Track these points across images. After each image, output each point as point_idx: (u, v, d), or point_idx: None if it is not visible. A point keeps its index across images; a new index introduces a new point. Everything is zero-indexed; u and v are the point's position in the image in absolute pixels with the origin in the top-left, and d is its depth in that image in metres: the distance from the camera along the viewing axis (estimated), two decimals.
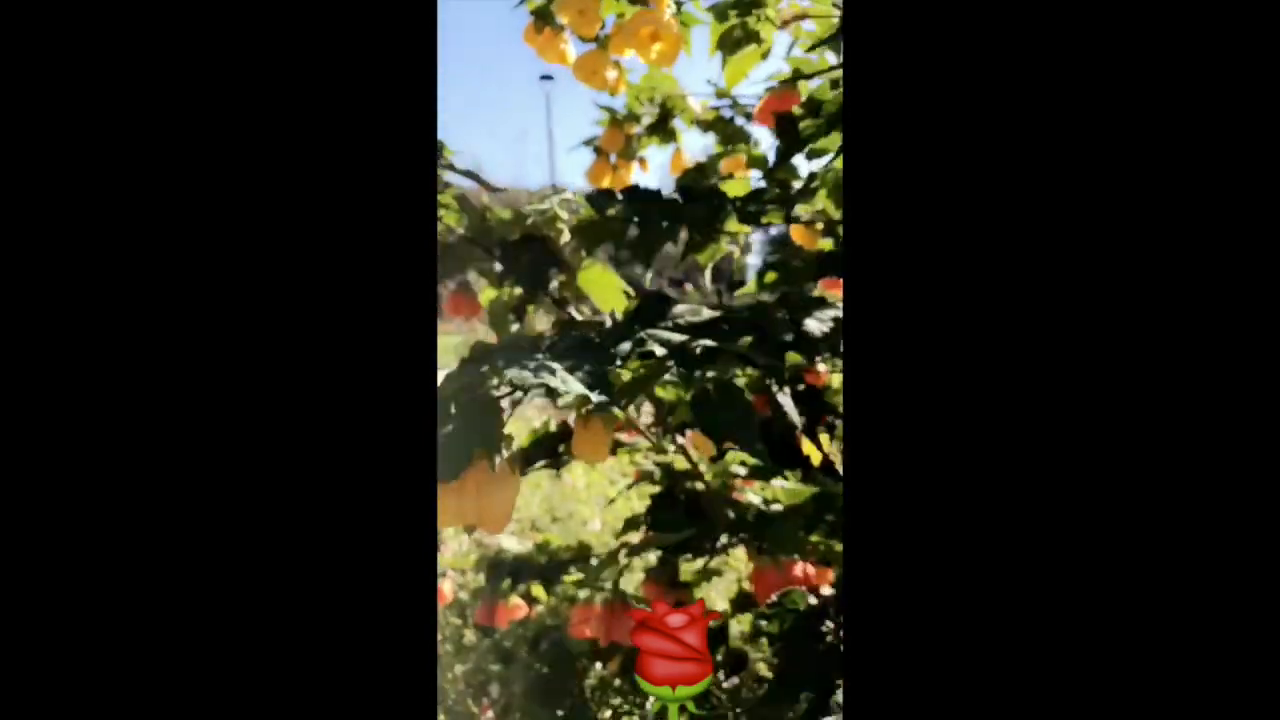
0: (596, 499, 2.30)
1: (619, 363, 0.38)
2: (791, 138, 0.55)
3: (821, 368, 0.66)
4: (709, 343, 0.38)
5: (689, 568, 0.93)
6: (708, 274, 0.70)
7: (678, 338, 0.39)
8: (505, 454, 0.38)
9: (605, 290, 0.71)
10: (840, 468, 0.67)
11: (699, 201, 0.51)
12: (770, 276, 0.62)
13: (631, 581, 1.21)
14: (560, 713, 0.87)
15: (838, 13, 0.70)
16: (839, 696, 0.47)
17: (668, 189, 0.60)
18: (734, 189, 0.66)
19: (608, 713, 1.09)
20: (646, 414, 0.78)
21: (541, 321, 0.79)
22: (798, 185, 0.57)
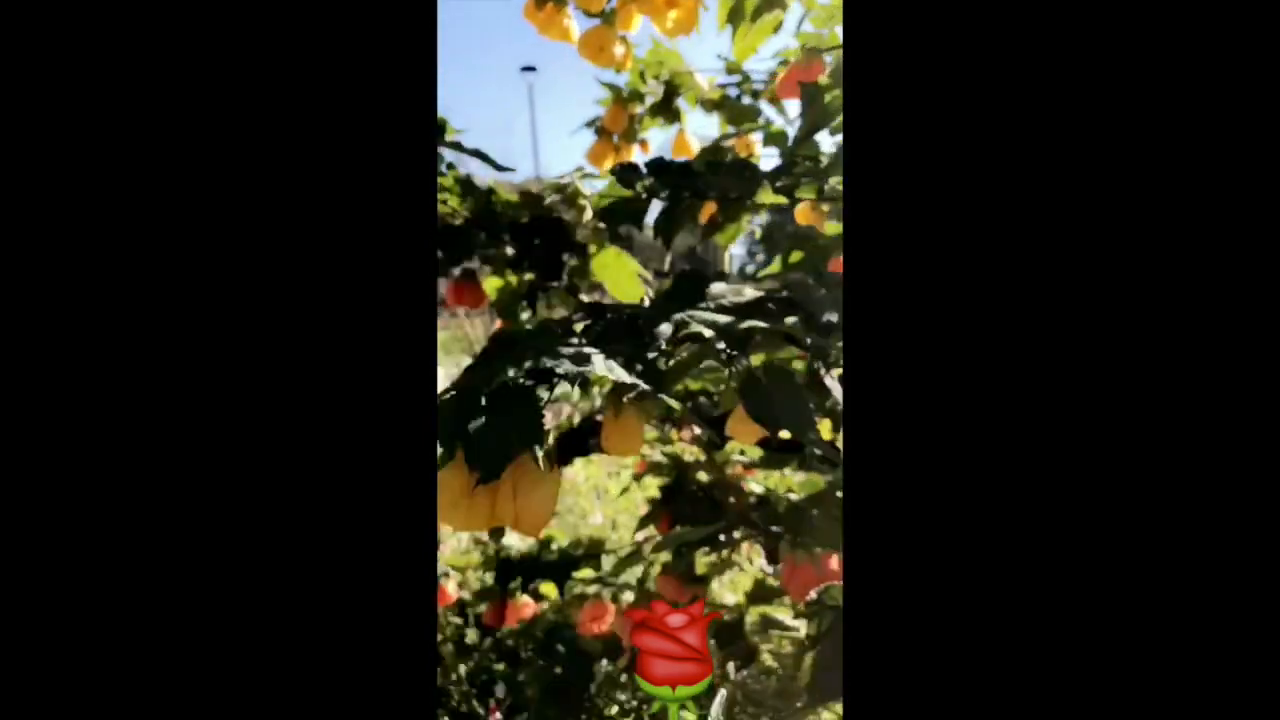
0: (592, 491, 2.27)
1: (661, 347, 0.35)
2: (818, 109, 0.52)
3: None
4: (759, 323, 0.35)
5: (702, 560, 0.90)
6: (725, 259, 0.67)
7: (723, 319, 0.36)
8: (542, 450, 0.35)
9: (620, 276, 0.67)
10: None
11: (730, 175, 0.47)
12: (795, 256, 0.59)
13: (632, 575, 1.19)
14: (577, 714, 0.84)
15: None
16: None
17: None
18: None
19: (614, 709, 1.07)
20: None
21: (556, 312, 0.75)
22: (825, 161, 0.54)
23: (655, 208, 0.55)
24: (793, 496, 0.94)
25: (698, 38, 0.93)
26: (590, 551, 0.88)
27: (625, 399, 0.39)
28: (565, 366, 0.32)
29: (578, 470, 2.39)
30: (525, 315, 0.73)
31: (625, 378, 0.32)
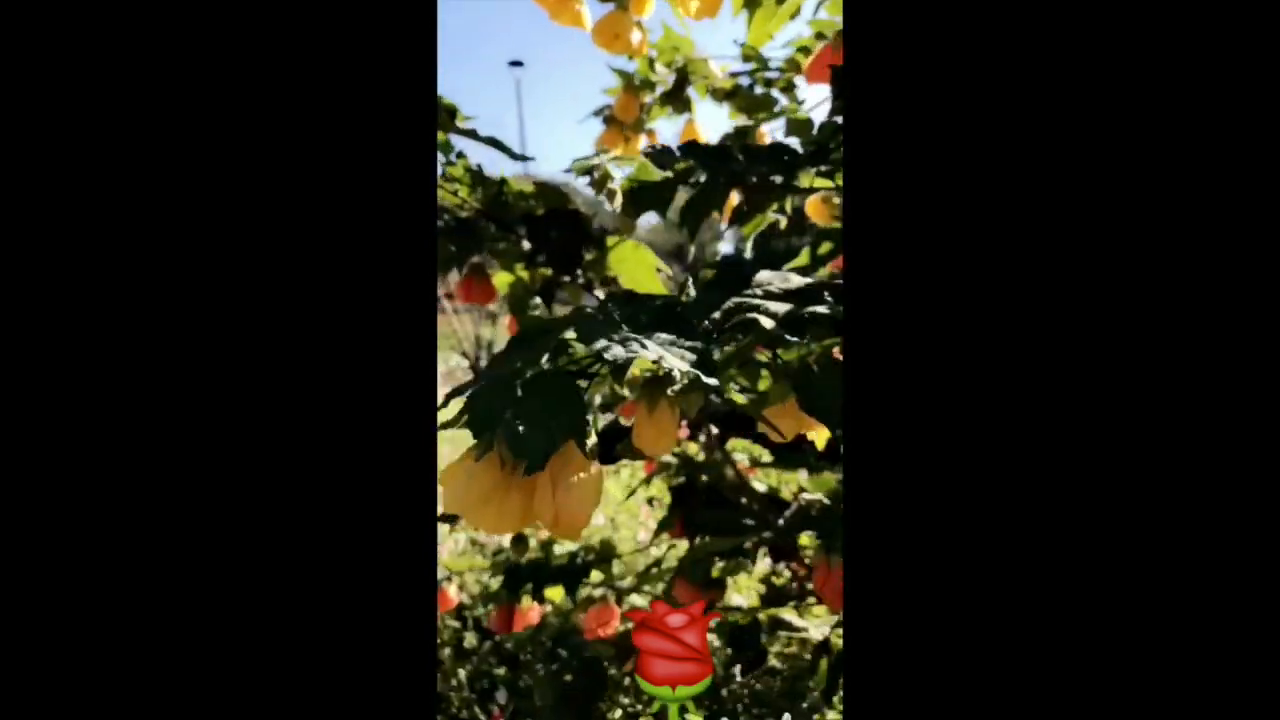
0: None
1: (714, 337, 0.33)
2: None
3: None
4: (822, 310, 0.32)
5: (717, 564, 0.88)
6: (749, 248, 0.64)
7: (782, 306, 0.33)
8: (587, 442, 0.32)
9: (638, 269, 0.65)
10: None
11: (765, 159, 0.45)
12: (825, 247, 0.56)
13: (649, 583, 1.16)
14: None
15: None
16: None
17: None
18: None
19: (618, 713, 1.04)
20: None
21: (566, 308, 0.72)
22: None
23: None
24: (809, 497, 0.92)
25: (708, 24, 0.91)
26: (601, 555, 0.85)
27: (670, 392, 0.36)
28: (614, 351, 0.29)
29: None
30: (537, 312, 0.70)
31: (683, 366, 0.29)
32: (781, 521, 0.67)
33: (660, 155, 0.45)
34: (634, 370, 0.37)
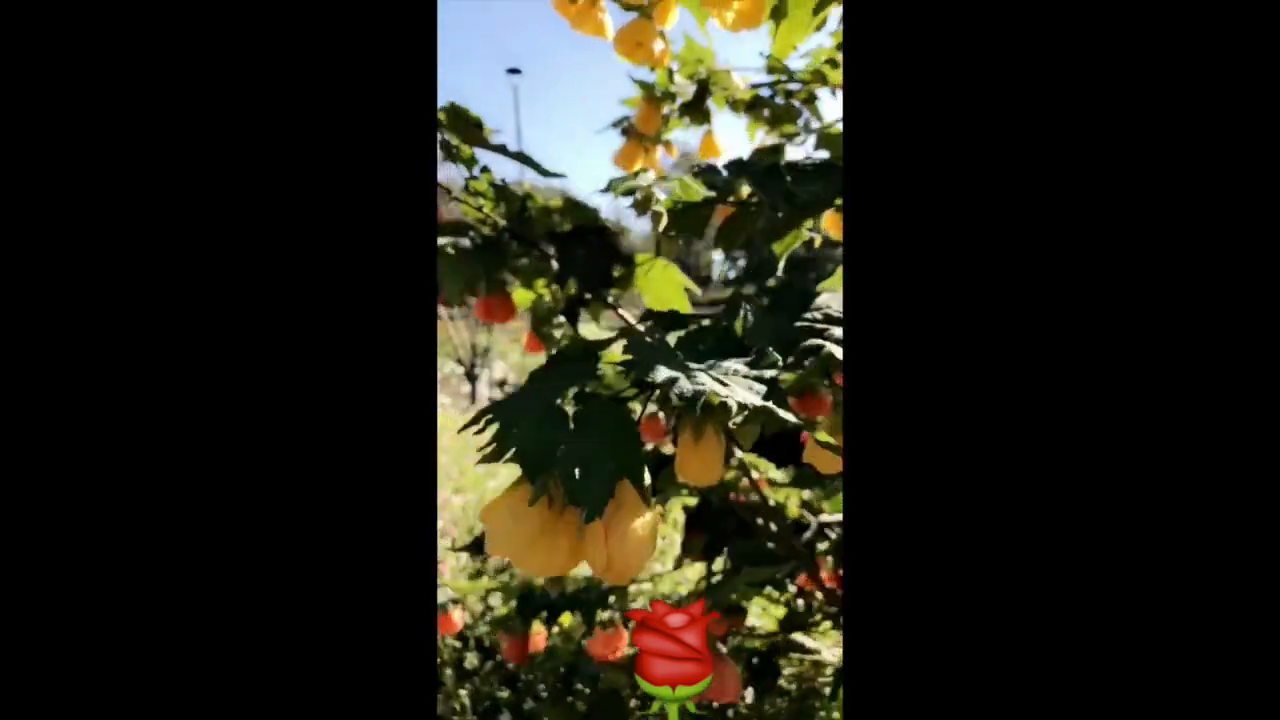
0: None
1: (779, 364, 0.30)
2: None
3: None
4: None
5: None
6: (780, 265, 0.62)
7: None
8: (642, 481, 0.29)
9: (665, 288, 0.62)
10: None
11: (815, 178, 0.43)
12: None
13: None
14: None
15: None
16: None
17: None
18: None
19: None
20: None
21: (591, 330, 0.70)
22: None
23: None
24: (827, 519, 0.89)
25: (725, 34, 0.89)
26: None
27: (732, 424, 0.34)
28: (682, 386, 0.27)
29: None
30: (559, 333, 0.67)
31: (755, 400, 0.27)
32: (803, 544, 0.65)
33: (709, 174, 0.43)
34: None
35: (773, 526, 0.78)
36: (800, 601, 0.94)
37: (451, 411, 4.21)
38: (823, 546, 0.86)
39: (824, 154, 0.73)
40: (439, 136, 0.56)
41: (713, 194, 0.46)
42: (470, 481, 2.24)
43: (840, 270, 0.57)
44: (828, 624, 0.93)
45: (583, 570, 0.93)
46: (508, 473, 2.41)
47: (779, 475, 1.05)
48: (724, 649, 0.67)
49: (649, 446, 0.74)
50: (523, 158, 0.54)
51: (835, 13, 0.93)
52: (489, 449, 0.36)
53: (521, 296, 0.71)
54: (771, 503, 0.91)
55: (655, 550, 0.30)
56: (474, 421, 0.39)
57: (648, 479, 0.30)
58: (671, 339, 0.34)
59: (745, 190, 0.49)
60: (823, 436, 0.39)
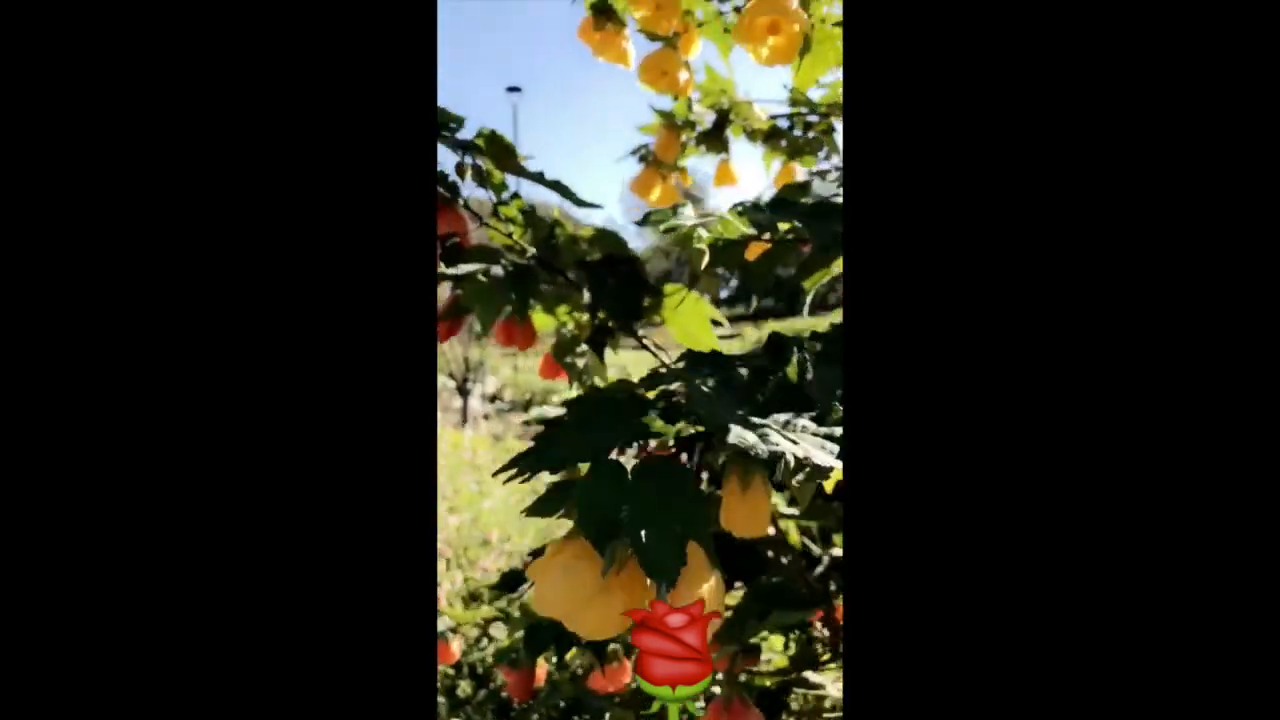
0: None
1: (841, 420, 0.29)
2: None
3: None
4: None
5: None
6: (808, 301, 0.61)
7: None
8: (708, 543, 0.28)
9: (692, 321, 0.61)
10: None
11: None
12: None
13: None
14: None
15: None
16: None
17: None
18: None
19: None
20: None
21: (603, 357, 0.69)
22: None
23: None
24: (838, 554, 0.87)
25: (745, 65, 0.89)
26: None
27: (796, 482, 0.32)
28: (753, 445, 0.25)
29: None
30: (582, 362, 0.66)
31: (831, 463, 0.26)
32: (815, 579, 0.63)
33: (752, 212, 0.42)
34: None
35: (783, 559, 0.76)
36: (814, 638, 0.92)
37: (443, 425, 4.17)
38: (835, 586, 0.84)
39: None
40: (472, 161, 0.55)
41: (753, 232, 0.45)
42: (465, 500, 2.21)
43: (817, 270, 0.56)
44: (834, 663, 0.91)
45: None
46: (503, 493, 2.38)
47: (786, 508, 1.03)
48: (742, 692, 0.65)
49: None
50: (558, 186, 0.53)
51: None
52: (511, 476, 0.34)
53: (541, 321, 0.70)
54: (772, 530, 0.89)
55: (722, 617, 0.29)
56: (515, 466, 0.38)
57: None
58: (710, 382, 0.33)
59: (783, 226, 0.48)
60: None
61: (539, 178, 0.53)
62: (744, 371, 0.35)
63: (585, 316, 0.65)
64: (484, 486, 2.38)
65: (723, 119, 0.94)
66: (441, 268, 0.55)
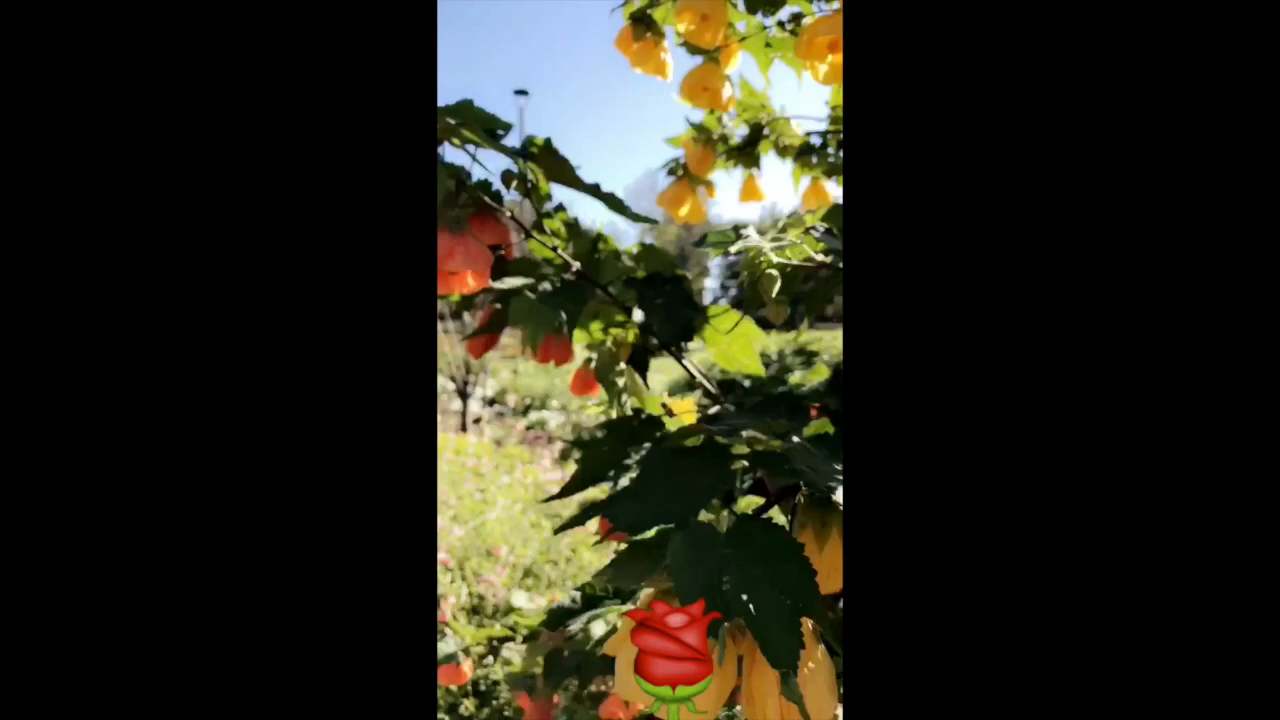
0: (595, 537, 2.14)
1: None
2: None
3: None
4: None
5: None
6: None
7: None
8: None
9: (734, 344, 0.59)
10: None
11: None
12: None
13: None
14: None
15: None
16: None
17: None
18: None
19: None
20: None
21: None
22: None
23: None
24: None
25: (781, 83, 0.88)
26: None
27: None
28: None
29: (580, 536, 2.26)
30: (621, 380, 0.63)
31: None
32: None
33: (826, 237, 0.40)
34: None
35: None
36: None
37: (444, 430, 4.13)
38: None
39: None
40: (520, 170, 0.52)
41: (823, 258, 0.42)
42: (468, 509, 2.17)
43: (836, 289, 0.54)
44: None
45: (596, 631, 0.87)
46: (506, 502, 2.35)
47: None
48: None
49: None
50: (611, 199, 0.50)
51: None
52: (571, 522, 0.32)
53: (575, 336, 0.67)
54: None
55: (838, 698, 0.26)
56: (580, 523, 0.35)
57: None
58: (786, 429, 0.30)
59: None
60: None
61: (594, 190, 0.50)
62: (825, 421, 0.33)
63: (622, 332, 0.63)
64: (487, 495, 2.35)
65: (756, 134, 0.92)
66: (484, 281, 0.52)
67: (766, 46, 0.79)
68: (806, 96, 0.98)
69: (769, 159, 1.03)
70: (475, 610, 1.65)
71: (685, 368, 0.59)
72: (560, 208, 0.57)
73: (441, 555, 1.72)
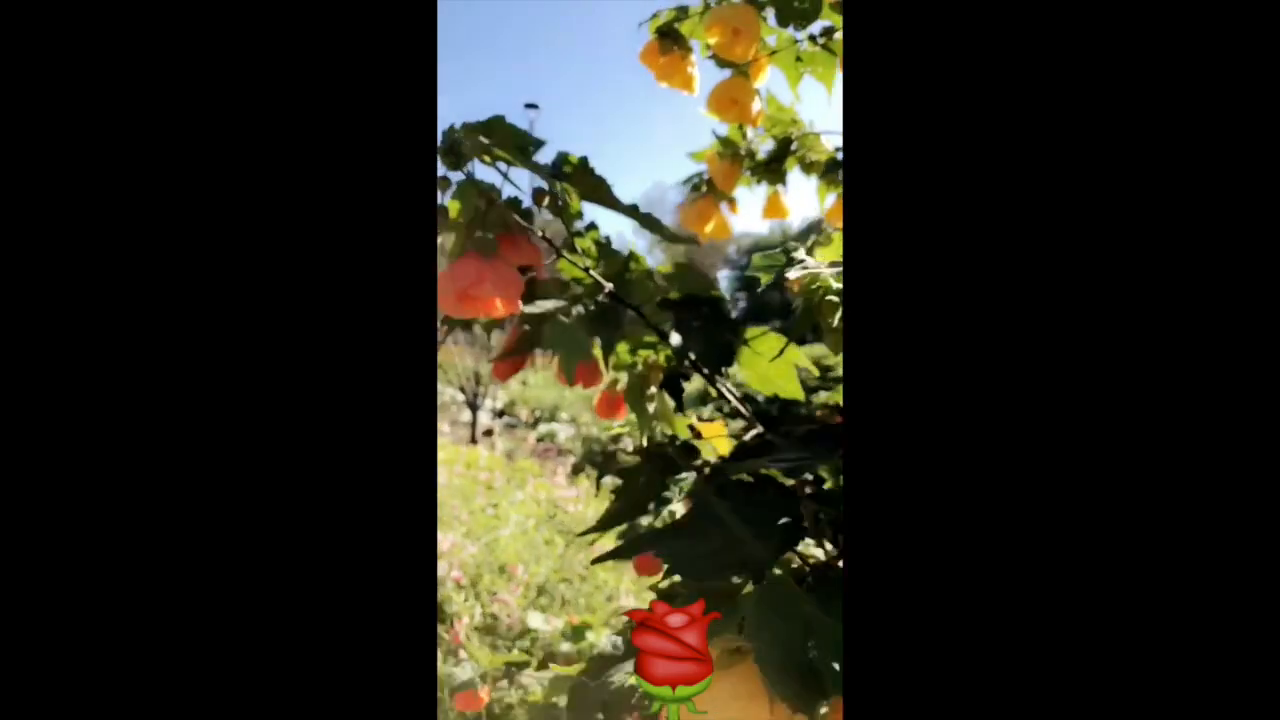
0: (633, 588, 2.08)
1: None
2: None
3: None
4: None
5: None
6: None
7: None
8: None
9: (775, 369, 0.57)
10: None
11: None
12: None
13: None
14: None
15: None
16: None
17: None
18: None
19: None
20: None
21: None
22: None
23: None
24: None
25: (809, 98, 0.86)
26: None
27: None
28: None
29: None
30: (653, 405, 0.61)
31: None
32: None
33: None
34: None
35: None
36: None
37: (455, 442, 4.11)
38: None
39: None
40: (552, 188, 0.50)
41: None
42: (480, 525, 2.15)
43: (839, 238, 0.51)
44: None
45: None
46: (519, 518, 2.32)
47: None
48: None
49: None
50: (649, 220, 0.49)
51: None
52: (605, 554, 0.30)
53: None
54: None
55: None
56: (628, 556, 0.33)
57: None
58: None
59: None
60: None
61: (632, 211, 0.48)
62: None
63: (653, 354, 0.61)
64: (499, 510, 2.33)
65: (784, 149, 0.90)
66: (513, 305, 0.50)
67: (797, 61, 0.77)
68: (836, 112, 0.96)
69: (791, 174, 1.01)
70: (489, 630, 1.62)
71: (721, 393, 0.57)
72: (592, 226, 0.55)
73: (455, 573, 1.70)
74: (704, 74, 0.81)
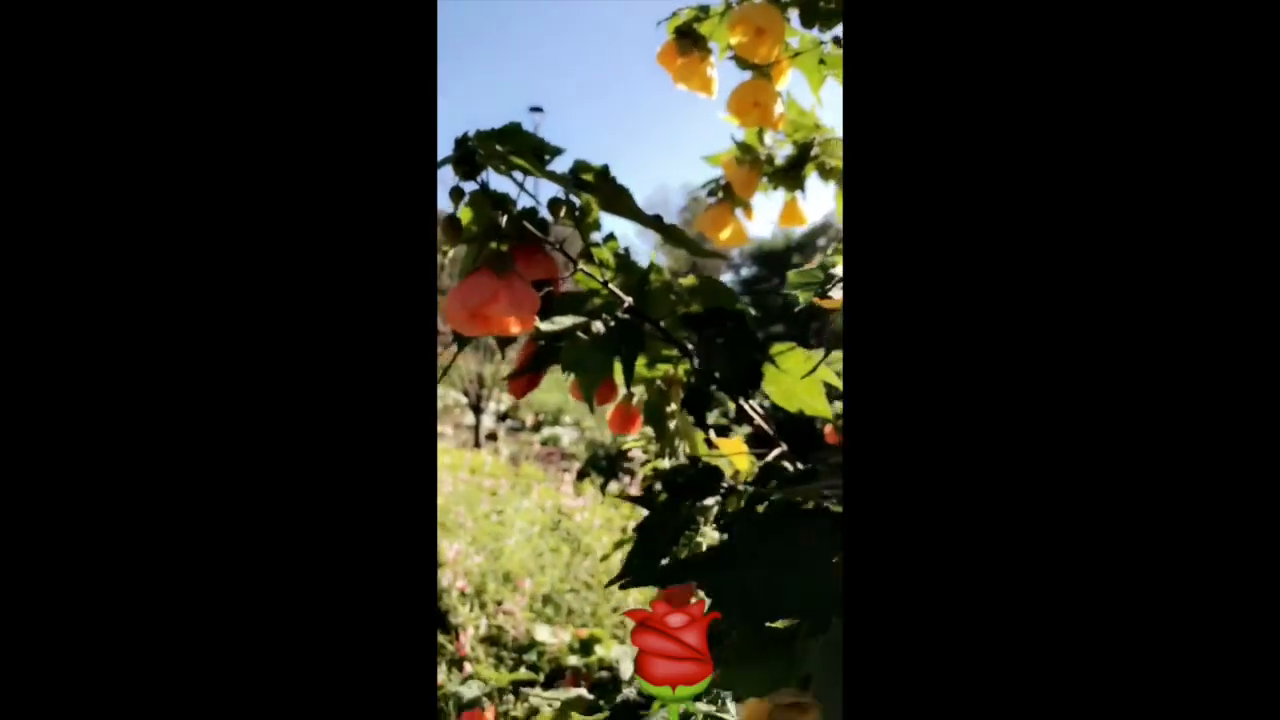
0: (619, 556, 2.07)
1: None
2: None
3: None
4: None
5: None
6: None
7: None
8: None
9: (802, 386, 0.54)
10: None
11: None
12: None
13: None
14: None
15: None
16: None
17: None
18: None
19: None
20: None
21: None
22: None
23: None
24: None
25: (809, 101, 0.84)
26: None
27: None
28: None
29: (595, 537, 2.20)
30: (674, 422, 0.59)
31: None
32: None
33: None
34: None
35: None
36: None
37: (457, 446, 4.09)
38: None
39: None
40: (570, 198, 0.48)
41: None
42: (485, 533, 2.12)
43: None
44: None
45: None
46: (523, 524, 2.29)
47: None
48: None
49: None
50: (674, 232, 0.46)
51: None
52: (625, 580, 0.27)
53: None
54: None
55: None
56: (661, 583, 0.30)
57: None
58: None
59: None
60: None
61: (655, 222, 0.46)
62: None
63: (672, 368, 0.58)
64: (505, 518, 2.30)
65: (804, 155, 0.87)
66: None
67: (820, 63, 0.74)
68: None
69: (808, 181, 0.98)
70: (494, 641, 1.59)
71: (747, 411, 0.54)
72: (610, 237, 0.52)
73: (460, 583, 1.67)
74: (721, 77, 0.78)
